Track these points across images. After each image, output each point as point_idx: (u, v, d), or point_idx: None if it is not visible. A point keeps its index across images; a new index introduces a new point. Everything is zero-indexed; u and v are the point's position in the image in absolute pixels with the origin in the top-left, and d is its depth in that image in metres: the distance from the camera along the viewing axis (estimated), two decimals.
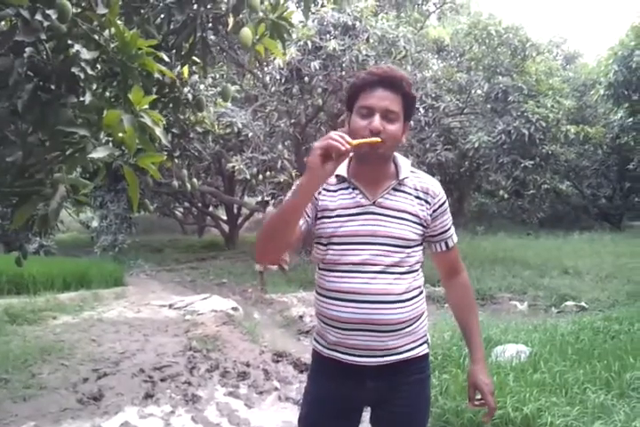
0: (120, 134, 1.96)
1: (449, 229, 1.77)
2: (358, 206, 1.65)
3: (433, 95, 12.44)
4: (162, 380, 4.20)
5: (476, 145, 12.40)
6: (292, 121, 10.64)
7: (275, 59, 9.22)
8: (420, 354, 1.72)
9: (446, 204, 1.76)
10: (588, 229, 15.73)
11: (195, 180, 4.43)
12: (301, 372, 4.44)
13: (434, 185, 1.73)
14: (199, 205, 18.49)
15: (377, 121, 1.58)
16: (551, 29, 44.08)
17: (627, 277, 8.61)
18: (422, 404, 1.78)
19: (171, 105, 3.53)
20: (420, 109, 12.15)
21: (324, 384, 1.74)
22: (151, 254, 13.83)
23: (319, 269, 1.72)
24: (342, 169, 1.67)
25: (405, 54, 10.27)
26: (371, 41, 9.57)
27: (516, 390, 3.44)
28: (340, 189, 1.69)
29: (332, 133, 1.45)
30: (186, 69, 3.56)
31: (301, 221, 1.62)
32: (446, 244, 1.78)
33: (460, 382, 3.54)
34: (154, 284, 9.37)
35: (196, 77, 4.24)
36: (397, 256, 1.63)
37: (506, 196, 12.73)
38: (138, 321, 6.20)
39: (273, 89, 10.17)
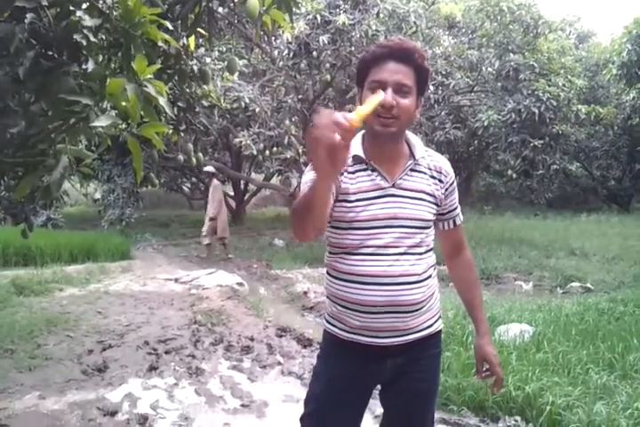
0: (123, 103, 1.92)
1: (457, 206, 1.77)
2: (378, 189, 1.61)
3: (443, 72, 12.28)
4: (166, 352, 4.23)
5: (486, 124, 12.27)
6: (300, 97, 10.54)
7: (283, 33, 9.09)
8: (438, 329, 1.74)
9: (455, 182, 1.76)
10: (596, 211, 15.64)
11: (200, 154, 4.41)
12: (304, 347, 4.46)
13: (445, 164, 1.72)
14: (206, 180, 18.46)
15: (389, 95, 1.52)
16: (565, 7, 43.21)
17: (633, 259, 8.57)
18: (436, 378, 1.81)
19: (176, 77, 3.48)
20: (430, 87, 12.01)
21: (341, 366, 1.70)
22: (158, 229, 13.87)
23: (334, 252, 1.67)
24: (357, 148, 1.63)
25: (416, 30, 10.11)
26: (381, 16, 9.42)
27: (518, 369, 3.44)
28: (358, 170, 1.63)
29: (325, 120, 1.16)
30: (192, 41, 3.50)
31: None
32: (454, 221, 1.78)
33: (462, 360, 3.55)
34: (160, 258, 9.41)
35: (202, 50, 4.18)
36: (418, 237, 1.62)
37: (514, 176, 12.64)
38: (143, 294, 6.25)
39: (281, 64, 10.06)
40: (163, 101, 2.07)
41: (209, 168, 9.52)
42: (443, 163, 1.71)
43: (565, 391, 3.16)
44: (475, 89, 14.54)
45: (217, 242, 9.60)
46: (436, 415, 2.16)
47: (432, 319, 1.71)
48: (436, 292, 1.75)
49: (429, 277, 1.68)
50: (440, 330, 1.77)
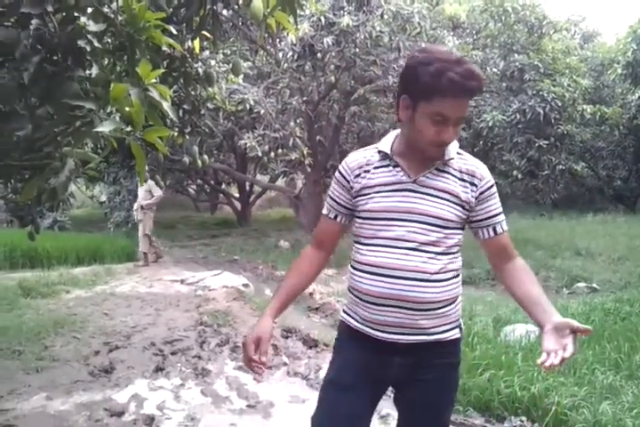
0: (127, 109, 1.94)
1: (497, 214, 1.68)
2: (398, 183, 1.62)
3: None
4: (172, 353, 4.25)
5: (491, 124, 12.28)
6: (305, 98, 10.56)
7: (287, 35, 9.10)
8: (452, 338, 1.68)
9: (494, 188, 1.68)
10: (602, 211, 15.55)
11: (205, 156, 4.42)
12: (310, 348, 4.48)
13: (480, 168, 1.67)
14: (212, 182, 18.52)
15: (451, 133, 1.55)
16: (569, 7, 43.03)
17: (639, 260, 8.53)
18: (446, 389, 1.73)
19: (181, 80, 3.50)
20: None
21: (352, 354, 1.72)
22: (164, 231, 13.90)
23: (355, 242, 1.71)
24: (386, 145, 1.67)
25: (420, 31, 10.10)
26: (385, 17, 9.42)
27: (524, 369, 3.44)
28: (382, 166, 1.66)
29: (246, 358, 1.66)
30: (197, 44, 3.52)
31: (338, 217, 1.74)
32: (494, 229, 1.68)
33: (468, 360, 3.55)
34: (166, 260, 9.44)
35: (207, 53, 4.20)
36: (434, 235, 1.60)
37: (520, 176, 12.63)
38: (150, 296, 6.28)
39: (285, 66, 10.07)
40: (166, 106, 2.08)
41: None
42: (478, 166, 1.67)
43: (571, 392, 3.16)
44: None
45: (141, 237, 8.72)
46: None
47: (447, 326, 1.66)
48: (458, 299, 1.69)
49: (447, 279, 1.62)
50: (457, 339, 1.71)
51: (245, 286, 6.65)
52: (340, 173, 1.71)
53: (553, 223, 13.50)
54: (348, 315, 1.74)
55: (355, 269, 1.69)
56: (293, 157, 9.89)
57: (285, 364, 4.11)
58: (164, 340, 4.57)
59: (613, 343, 4.03)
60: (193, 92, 4.00)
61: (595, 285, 7.29)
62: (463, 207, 1.64)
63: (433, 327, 1.63)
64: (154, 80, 2.09)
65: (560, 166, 12.40)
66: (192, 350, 4.36)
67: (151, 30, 2.14)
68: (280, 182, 17.63)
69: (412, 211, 1.60)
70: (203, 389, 3.61)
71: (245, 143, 9.48)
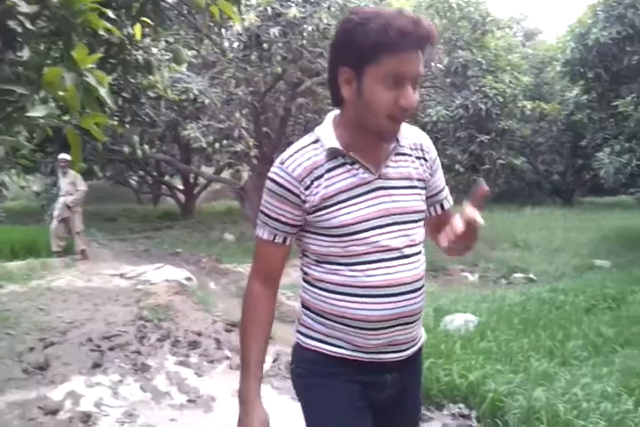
0: (61, 93, 1.87)
1: (444, 187, 1.51)
2: (362, 184, 1.33)
3: None
4: (110, 349, 4.15)
5: (435, 119, 12.46)
6: (251, 89, 10.44)
7: (233, 24, 8.98)
8: (424, 337, 1.56)
9: (437, 158, 1.49)
10: (541, 204, 16.12)
11: (146, 146, 4.33)
12: None
13: (425, 139, 1.46)
14: (154, 173, 18.13)
15: (412, 94, 1.25)
16: (512, 5, 44.27)
17: (574, 251, 8.90)
18: (419, 388, 1.62)
19: (120, 67, 3.40)
20: None
21: (345, 386, 1.40)
22: (104, 223, 13.53)
23: (322, 262, 1.37)
24: (331, 139, 1.33)
25: None
26: (332, 9, 9.40)
27: (462, 357, 3.52)
28: (335, 167, 1.33)
29: None
30: (138, 31, 3.42)
31: (287, 240, 1.37)
32: (441, 205, 1.51)
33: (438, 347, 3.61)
34: (106, 253, 9.19)
35: (148, 40, 4.08)
36: (412, 234, 1.38)
37: (462, 170, 12.89)
38: (88, 290, 6.10)
39: (231, 55, 9.94)
40: (104, 92, 2.01)
41: (64, 155, 7.86)
42: (423, 139, 1.45)
43: (507, 379, 3.25)
44: (424, 85, 14.73)
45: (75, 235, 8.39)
46: None
47: (421, 327, 1.52)
48: None
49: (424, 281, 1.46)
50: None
51: (188, 279, 6.54)
52: (279, 185, 1.32)
53: (493, 216, 13.85)
54: (323, 342, 1.40)
55: (332, 292, 1.36)
56: (239, 149, 9.79)
57: (227, 357, 4.07)
58: (102, 335, 4.44)
59: (548, 331, 4.17)
60: (133, 80, 3.90)
61: (532, 275, 7.56)
62: (425, 189, 1.44)
63: (417, 335, 1.48)
64: (90, 65, 2.02)
65: (500, 161, 12.74)
66: (131, 345, 4.26)
67: (87, 14, 2.06)
68: (225, 174, 17.43)
69: (388, 212, 1.34)
70: (142, 384, 3.54)
71: (189, 134, 9.31)
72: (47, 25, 2.29)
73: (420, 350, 1.51)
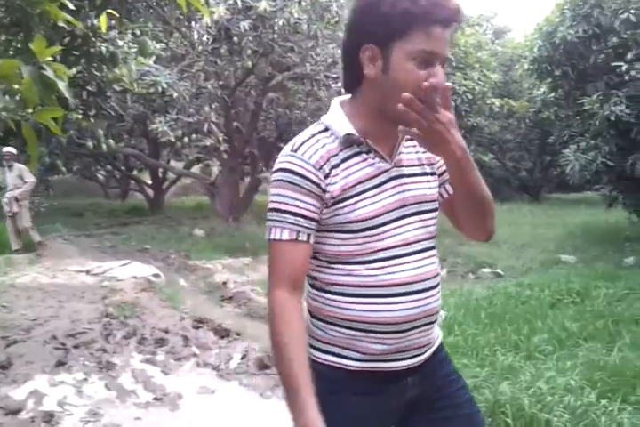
0: (17, 86, 1.81)
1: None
2: (380, 174, 1.24)
3: None
4: (75, 347, 4.06)
5: None
6: (221, 83, 10.35)
7: (202, 17, 8.87)
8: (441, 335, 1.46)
9: None
10: (509, 201, 16.36)
11: (111, 140, 4.24)
12: (222, 338, 4.41)
13: None
14: (122, 168, 17.85)
15: (442, 74, 1.16)
16: (482, 3, 44.71)
17: (541, 247, 9.05)
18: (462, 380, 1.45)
19: (83, 60, 3.32)
20: None
21: (355, 404, 1.29)
22: (70, 219, 13.26)
23: (334, 262, 1.26)
24: (345, 124, 1.22)
25: (338, 20, 10.12)
26: (303, 4, 9.36)
27: None
28: (350, 156, 1.23)
29: None
30: (103, 23, 3.34)
31: (311, 238, 1.22)
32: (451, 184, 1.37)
33: None
34: (71, 249, 9.00)
35: (115, 32, 3.99)
36: (430, 225, 1.31)
37: None
38: (52, 287, 5.97)
39: (200, 48, 9.83)
40: (62, 85, 1.96)
41: (8, 148, 7.82)
42: None
43: (474, 373, 3.28)
44: None
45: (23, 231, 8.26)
46: None
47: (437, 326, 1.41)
48: None
49: None
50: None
51: (156, 276, 6.45)
52: (296, 173, 1.19)
53: None
54: (337, 355, 1.28)
55: (348, 295, 1.25)
56: (208, 143, 9.71)
57: (195, 355, 4.03)
58: (67, 333, 4.35)
59: (514, 326, 4.23)
60: (97, 73, 3.81)
61: (499, 270, 7.65)
62: (435, 174, 1.34)
63: (436, 335, 1.40)
64: (50, 58, 1.96)
65: None
66: (96, 342, 4.18)
67: (46, 4, 2.01)
68: (195, 169, 17.26)
69: (406, 203, 1.25)
70: (107, 383, 3.48)
71: (157, 128, 9.19)
72: (6, 16, 2.22)
73: (440, 346, 1.42)
